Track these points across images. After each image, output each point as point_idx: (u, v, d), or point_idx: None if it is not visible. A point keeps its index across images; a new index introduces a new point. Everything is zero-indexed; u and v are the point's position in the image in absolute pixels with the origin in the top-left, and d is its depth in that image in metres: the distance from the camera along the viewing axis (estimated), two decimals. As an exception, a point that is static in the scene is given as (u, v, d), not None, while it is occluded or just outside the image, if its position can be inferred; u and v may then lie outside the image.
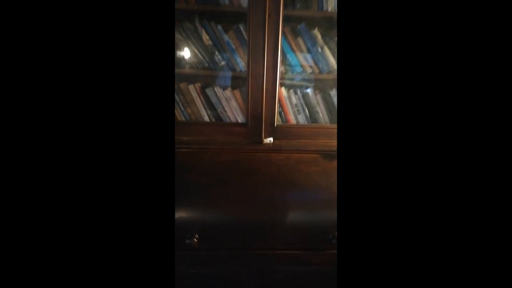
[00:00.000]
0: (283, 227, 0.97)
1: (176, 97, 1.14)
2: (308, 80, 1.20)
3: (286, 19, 1.06)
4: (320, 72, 1.17)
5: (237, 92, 1.15)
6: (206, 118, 1.17)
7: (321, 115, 1.22)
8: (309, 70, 1.17)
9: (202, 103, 1.16)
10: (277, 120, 1.13)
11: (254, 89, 1.07)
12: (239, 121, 1.17)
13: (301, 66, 1.15)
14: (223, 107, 1.16)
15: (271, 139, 1.14)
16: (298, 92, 1.19)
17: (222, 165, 1.07)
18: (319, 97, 1.21)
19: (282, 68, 1.11)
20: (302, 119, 1.21)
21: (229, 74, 1.15)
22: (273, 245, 0.96)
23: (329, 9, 1.10)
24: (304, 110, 1.20)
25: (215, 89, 1.14)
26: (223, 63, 1.13)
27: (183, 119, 1.16)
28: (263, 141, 1.14)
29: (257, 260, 0.99)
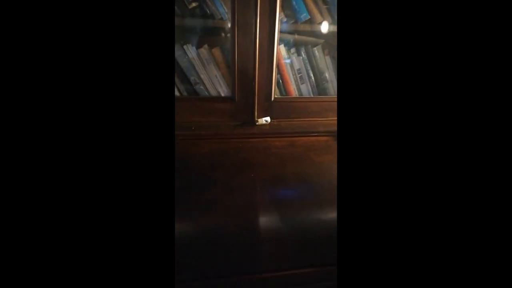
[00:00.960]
0: (291, 240, 0.70)
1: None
2: (317, 35, 0.86)
3: None
4: (334, 22, 0.84)
5: (217, 52, 0.80)
6: (176, 92, 0.82)
7: (330, 84, 0.91)
8: (319, 19, 0.83)
9: (167, 69, 0.80)
10: (274, 92, 0.82)
11: (242, 47, 0.74)
12: (223, 95, 0.84)
13: (309, 12, 0.80)
14: (198, 74, 0.81)
15: (268, 118, 0.83)
16: (303, 53, 0.86)
17: (201, 159, 0.75)
18: (328, 59, 0.89)
19: (282, 15, 0.77)
20: (306, 90, 0.89)
21: (204, 23, 0.79)
22: (279, 265, 0.70)
23: None
24: (309, 78, 0.89)
25: (185, 47, 0.78)
26: (194, 5, 0.76)
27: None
28: (257, 121, 0.82)
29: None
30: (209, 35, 0.81)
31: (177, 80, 0.82)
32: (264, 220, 0.68)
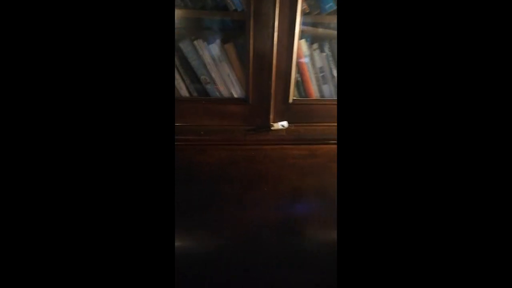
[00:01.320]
0: (308, 267, 0.61)
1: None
2: (344, 28, 0.75)
3: None
4: (365, 13, 0.72)
5: (230, 48, 0.72)
6: (184, 92, 0.75)
7: (358, 84, 0.79)
8: (347, 10, 0.72)
9: (176, 67, 0.73)
10: (293, 94, 0.72)
11: (259, 42, 0.65)
12: (235, 96, 0.75)
13: (335, 2, 0.70)
14: (209, 73, 0.73)
15: (285, 123, 0.74)
16: (326, 48, 0.75)
17: (209, 169, 0.67)
18: (357, 56, 0.77)
19: (304, 6, 0.67)
20: (328, 92, 0.79)
21: (217, 17, 0.70)
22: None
23: None
24: (332, 78, 0.78)
25: (195, 43, 0.70)
26: (206, -4, 0.68)
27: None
28: (273, 126, 0.74)
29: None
30: (222, 29, 0.73)
31: (186, 80, 0.74)
32: (279, 243, 0.59)
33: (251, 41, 0.65)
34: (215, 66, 0.73)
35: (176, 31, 0.71)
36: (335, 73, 0.78)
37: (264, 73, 0.69)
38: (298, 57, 0.70)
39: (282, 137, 0.74)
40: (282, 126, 0.74)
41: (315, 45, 0.75)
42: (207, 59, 0.72)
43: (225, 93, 0.76)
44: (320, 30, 0.76)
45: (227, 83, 0.75)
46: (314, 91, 0.78)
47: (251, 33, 0.64)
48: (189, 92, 0.76)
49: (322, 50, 0.76)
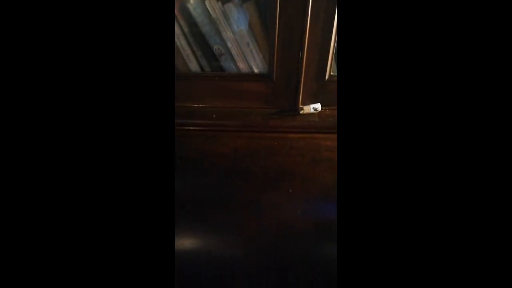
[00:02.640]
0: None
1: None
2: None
3: None
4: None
5: (252, 8, 0.57)
6: (194, 67, 0.62)
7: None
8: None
9: (183, 33, 0.59)
10: (331, 69, 0.57)
11: (289, 1, 0.49)
12: (256, 71, 0.61)
13: None
14: (223, 42, 0.59)
15: (318, 106, 0.59)
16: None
17: (222, 162, 0.55)
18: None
19: None
20: (376, 66, 0.61)
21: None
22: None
23: None
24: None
25: (207, 2, 0.56)
26: None
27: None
28: (302, 109, 0.59)
29: None
30: (241, -17, 0.58)
31: (197, 51, 0.61)
32: (303, 257, 0.46)
33: (278, 2, 0.49)
34: (231, 33, 0.58)
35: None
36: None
37: (294, 41, 0.53)
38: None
39: (313, 124, 0.59)
40: (314, 109, 0.59)
41: (363, 3, 0.57)
42: (222, 23, 0.57)
43: (244, 68, 0.62)
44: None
45: (247, 54, 0.60)
46: (356, 66, 0.61)
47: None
48: (201, 67, 0.63)
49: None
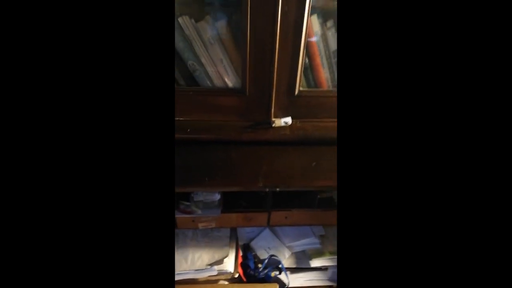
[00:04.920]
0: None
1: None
2: None
3: None
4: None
5: (224, 27, 0.59)
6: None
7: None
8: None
9: (156, 49, 0.60)
10: (300, 84, 0.60)
11: (259, 19, 0.52)
12: (230, 86, 0.63)
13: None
14: (197, 57, 0.61)
15: (289, 119, 0.62)
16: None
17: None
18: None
19: (317, -27, 0.53)
20: (342, 82, 0.65)
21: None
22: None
23: None
24: (348, 65, 0.64)
25: (180, 20, 0.57)
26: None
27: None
28: (274, 122, 0.62)
29: None
30: (213, 3, 0.60)
31: (171, 65, 0.62)
32: None
33: (249, 18, 0.51)
34: (205, 49, 0.60)
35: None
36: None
37: (265, 58, 0.56)
38: (308, 36, 0.56)
39: (285, 137, 0.62)
40: (285, 123, 0.62)
41: (330, 23, 0.61)
42: (196, 40, 0.59)
43: (218, 83, 0.63)
44: (336, 4, 0.62)
45: (220, 70, 0.62)
46: (325, 81, 0.65)
47: (249, 8, 0.50)
48: (176, 82, 0.64)
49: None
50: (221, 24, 0.58)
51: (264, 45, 0.54)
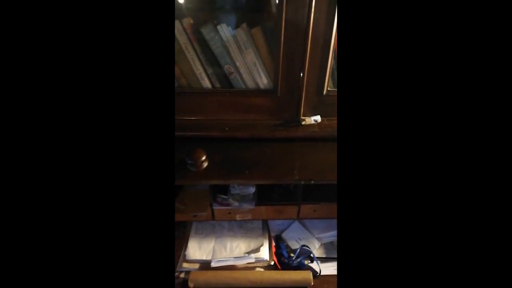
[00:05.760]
0: None
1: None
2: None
3: None
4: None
5: (258, 33, 0.64)
6: (205, 83, 0.68)
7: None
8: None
9: (196, 54, 0.66)
10: (328, 84, 0.64)
11: (291, 26, 0.57)
12: (262, 87, 0.68)
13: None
14: (233, 61, 0.66)
15: (318, 117, 0.66)
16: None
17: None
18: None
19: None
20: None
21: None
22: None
23: None
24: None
25: (219, 28, 0.63)
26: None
27: (166, 85, 0.67)
28: (303, 121, 0.66)
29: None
30: (249, 11, 0.65)
31: (208, 69, 0.67)
32: None
33: (283, 24, 0.56)
34: (240, 54, 0.65)
35: (196, 14, 0.64)
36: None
37: (296, 61, 0.60)
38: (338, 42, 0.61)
39: (314, 134, 0.66)
40: (315, 121, 0.66)
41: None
42: (232, 45, 0.64)
43: (251, 84, 0.68)
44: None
45: (253, 73, 0.67)
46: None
47: (283, 15, 0.55)
48: (211, 83, 0.69)
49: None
50: (256, 31, 0.63)
51: (296, 49, 0.59)
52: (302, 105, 0.66)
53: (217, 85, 0.69)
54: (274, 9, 0.58)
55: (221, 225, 0.78)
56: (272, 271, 0.68)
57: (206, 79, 0.68)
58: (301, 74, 0.62)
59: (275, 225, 0.80)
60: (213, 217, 0.70)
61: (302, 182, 0.58)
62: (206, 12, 0.65)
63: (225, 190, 0.69)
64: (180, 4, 0.63)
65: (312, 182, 0.57)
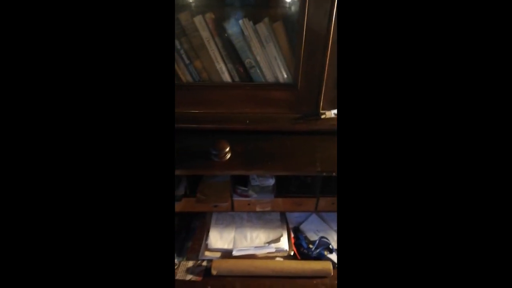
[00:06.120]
0: None
1: (177, 43, 0.66)
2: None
3: None
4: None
5: (279, 28, 0.65)
6: (225, 78, 0.70)
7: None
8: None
9: (218, 49, 0.67)
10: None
11: (314, 20, 0.57)
12: (281, 81, 0.69)
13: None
14: (254, 56, 0.67)
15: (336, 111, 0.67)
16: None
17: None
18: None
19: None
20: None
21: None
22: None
23: None
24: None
25: (241, 23, 0.64)
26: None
27: (189, 79, 0.70)
28: (323, 114, 0.67)
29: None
30: (271, 6, 0.66)
31: (229, 64, 0.69)
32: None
33: (305, 19, 0.57)
34: (261, 48, 0.66)
35: (219, 9, 0.65)
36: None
37: (317, 56, 0.61)
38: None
39: (333, 127, 0.67)
40: (335, 114, 0.67)
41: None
42: (253, 40, 0.65)
43: (270, 78, 0.70)
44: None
45: (274, 67, 0.68)
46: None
47: (306, 9, 0.56)
48: (231, 77, 0.71)
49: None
50: (277, 25, 0.64)
51: (317, 44, 0.60)
52: (322, 98, 0.67)
53: (237, 79, 0.71)
54: (296, 4, 0.59)
55: (240, 216, 0.79)
56: (293, 260, 0.70)
57: (226, 73, 0.70)
58: (322, 68, 0.63)
59: (293, 217, 0.81)
60: (232, 208, 0.72)
61: (324, 174, 0.59)
62: (228, 7, 0.66)
63: (244, 182, 0.71)
64: (203, -1, 0.64)
65: (334, 174, 0.58)
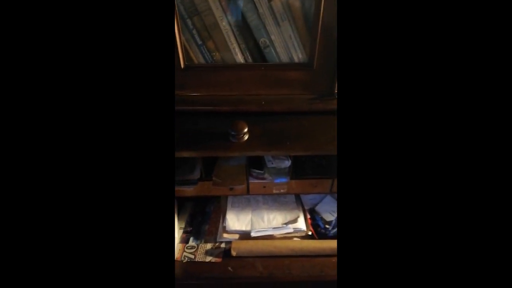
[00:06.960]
0: None
1: (189, 22, 0.64)
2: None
3: None
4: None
5: (296, 4, 0.63)
6: (238, 58, 0.68)
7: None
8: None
9: (231, 28, 0.65)
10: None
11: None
12: (297, 61, 0.67)
13: None
14: (269, 35, 0.65)
15: (354, 90, 0.65)
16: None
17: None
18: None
19: None
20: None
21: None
22: None
23: None
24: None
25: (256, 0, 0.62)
26: None
27: (201, 60, 0.68)
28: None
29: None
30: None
31: (242, 43, 0.67)
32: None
33: (323, -6, 0.55)
34: (276, 27, 0.64)
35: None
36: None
37: (333, 34, 0.60)
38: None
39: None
40: (351, 93, 0.66)
41: None
42: (268, 18, 0.63)
43: (284, 58, 0.68)
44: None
45: (289, 46, 0.67)
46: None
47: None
48: (244, 58, 0.69)
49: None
50: (294, 1, 0.62)
51: (333, 22, 0.58)
52: (336, 77, 0.66)
53: (249, 60, 0.69)
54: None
55: (255, 199, 0.79)
56: (311, 240, 0.70)
57: (239, 54, 0.68)
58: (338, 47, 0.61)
59: (308, 199, 0.82)
60: (248, 191, 0.72)
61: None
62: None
63: (260, 165, 0.70)
64: (215, -24, 0.62)
65: (354, 152, 0.58)
